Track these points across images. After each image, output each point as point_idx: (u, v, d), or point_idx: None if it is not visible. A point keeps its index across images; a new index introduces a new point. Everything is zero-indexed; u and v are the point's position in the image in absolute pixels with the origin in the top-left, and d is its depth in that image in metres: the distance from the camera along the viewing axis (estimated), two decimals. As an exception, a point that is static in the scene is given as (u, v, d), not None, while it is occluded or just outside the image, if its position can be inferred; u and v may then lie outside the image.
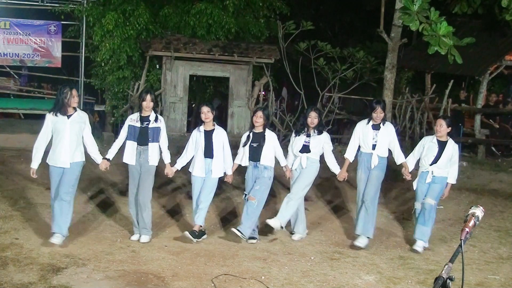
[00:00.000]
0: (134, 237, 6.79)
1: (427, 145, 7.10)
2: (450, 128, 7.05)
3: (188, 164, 7.04)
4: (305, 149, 7.10)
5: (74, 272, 5.63)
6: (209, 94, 14.98)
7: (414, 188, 7.15)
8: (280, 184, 9.02)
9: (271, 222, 6.93)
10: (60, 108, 6.30)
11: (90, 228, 7.05)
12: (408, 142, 12.77)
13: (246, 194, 6.99)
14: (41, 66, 15.37)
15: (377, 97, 10.48)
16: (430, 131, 13.52)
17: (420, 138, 13.09)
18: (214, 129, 6.90)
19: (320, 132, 7.13)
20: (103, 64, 13.31)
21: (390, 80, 11.32)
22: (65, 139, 6.28)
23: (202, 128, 6.91)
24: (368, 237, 7.07)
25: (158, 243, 6.74)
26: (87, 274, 5.62)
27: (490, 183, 10.45)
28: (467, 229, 2.94)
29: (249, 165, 7.01)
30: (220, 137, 6.91)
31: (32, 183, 8.55)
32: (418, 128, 13.65)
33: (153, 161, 6.67)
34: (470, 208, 3.06)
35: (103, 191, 8.67)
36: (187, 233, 6.77)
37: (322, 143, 7.12)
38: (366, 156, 7.12)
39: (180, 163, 7.01)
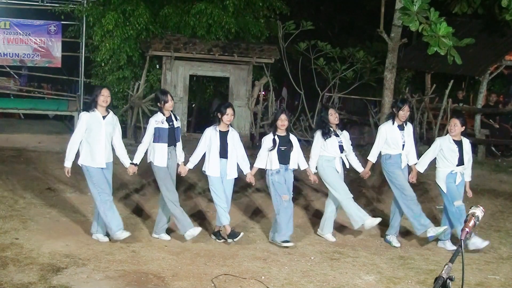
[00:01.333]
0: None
1: (445, 147, 7.07)
2: (464, 127, 7.08)
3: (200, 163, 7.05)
4: (341, 149, 7.16)
5: (74, 272, 5.63)
6: (209, 94, 14.98)
7: (445, 191, 7.06)
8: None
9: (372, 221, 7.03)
10: (91, 106, 6.47)
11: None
12: (414, 141, 12.76)
13: (281, 196, 6.90)
14: (41, 66, 15.35)
15: (377, 97, 10.51)
16: (430, 131, 13.55)
17: (421, 138, 13.22)
18: (229, 130, 6.94)
19: (342, 130, 7.30)
20: (103, 64, 13.31)
21: (390, 80, 11.31)
22: (102, 140, 6.44)
23: (218, 128, 6.91)
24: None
25: (158, 243, 6.74)
26: (87, 274, 5.62)
27: (490, 183, 10.45)
28: (467, 229, 2.95)
29: (280, 169, 6.94)
30: (235, 138, 6.96)
31: (32, 182, 8.56)
32: (418, 128, 13.64)
33: (180, 160, 6.87)
34: (470, 208, 3.06)
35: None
36: (231, 240, 6.85)
37: (348, 139, 7.28)
38: (397, 157, 7.15)
39: (192, 162, 7.02)
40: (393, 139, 7.13)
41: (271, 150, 6.94)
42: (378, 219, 7.11)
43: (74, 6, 13.83)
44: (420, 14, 8.24)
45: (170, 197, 6.67)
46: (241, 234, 6.84)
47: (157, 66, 13.66)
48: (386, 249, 7.08)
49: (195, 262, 6.18)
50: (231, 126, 7.02)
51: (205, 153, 6.95)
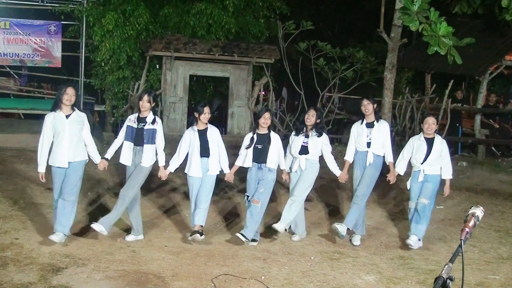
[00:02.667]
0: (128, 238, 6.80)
1: (415, 145, 7.12)
2: (436, 125, 7.10)
3: (182, 165, 6.98)
4: (304, 150, 7.07)
5: (74, 272, 5.63)
6: (209, 94, 14.98)
7: (408, 188, 7.17)
8: (281, 186, 9.00)
9: (277, 226, 6.91)
10: (56, 106, 6.35)
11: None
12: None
13: (248, 196, 6.95)
14: (41, 66, 15.37)
15: (377, 97, 10.45)
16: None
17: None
18: (207, 127, 6.85)
19: (319, 134, 7.09)
20: (103, 64, 13.32)
21: (390, 80, 11.31)
22: (65, 139, 6.31)
23: (196, 127, 6.85)
24: (360, 234, 7.20)
25: (158, 243, 6.74)
26: (87, 274, 5.62)
27: (490, 183, 10.45)
28: (467, 229, 2.94)
29: (252, 167, 6.94)
30: (215, 135, 6.87)
31: (32, 183, 8.55)
32: (418, 128, 13.63)
33: (146, 163, 6.61)
34: (470, 208, 3.06)
35: (102, 191, 8.66)
36: (197, 236, 6.73)
37: (320, 144, 7.09)
38: (362, 154, 7.17)
39: (173, 165, 6.92)
40: (358, 136, 7.19)
41: (247, 147, 6.94)
42: (283, 229, 6.99)
43: (74, 6, 13.84)
44: (420, 14, 8.23)
45: (122, 192, 6.61)
46: (199, 236, 6.72)
47: (157, 66, 13.67)
48: (386, 249, 7.09)
49: (195, 262, 6.18)
50: (210, 124, 6.92)
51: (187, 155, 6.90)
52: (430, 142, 7.05)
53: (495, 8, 12.14)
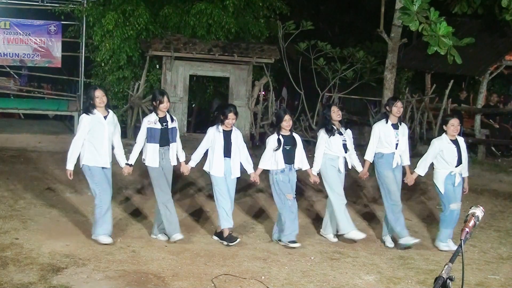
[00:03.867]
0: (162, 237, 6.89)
1: (445, 148, 7.00)
2: (460, 126, 7.15)
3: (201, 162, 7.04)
4: (345, 148, 7.13)
5: (74, 272, 5.63)
6: (209, 94, 14.98)
7: (443, 192, 7.00)
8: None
9: (353, 235, 7.03)
10: (88, 109, 6.48)
11: (90, 228, 7.04)
12: (408, 142, 12.76)
13: (289, 197, 6.89)
14: (41, 66, 15.36)
15: (377, 97, 10.50)
16: (430, 131, 13.54)
17: (421, 138, 13.22)
18: (232, 129, 6.92)
19: (346, 128, 7.25)
20: (103, 64, 13.31)
21: (390, 80, 11.31)
22: (105, 140, 6.48)
23: (221, 128, 6.88)
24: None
25: (158, 243, 6.74)
26: (87, 274, 5.62)
27: (490, 183, 10.45)
28: (467, 229, 2.94)
29: (285, 168, 6.91)
30: (238, 137, 6.95)
31: (32, 183, 8.56)
32: (418, 128, 13.64)
33: (175, 161, 6.81)
34: (470, 208, 3.06)
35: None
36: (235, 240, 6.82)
37: (351, 139, 7.23)
38: (389, 156, 7.12)
39: (194, 160, 7.01)
40: (387, 138, 7.12)
41: (276, 150, 6.90)
42: (363, 235, 7.10)
43: (74, 6, 13.83)
44: (420, 14, 8.24)
45: (162, 198, 6.69)
46: (238, 239, 6.81)
47: (157, 66, 13.66)
48: (386, 249, 7.09)
49: (195, 262, 6.18)
50: (234, 126, 7.01)
51: (206, 152, 6.94)
52: (456, 143, 7.04)
53: (495, 8, 12.14)
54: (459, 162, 6.99)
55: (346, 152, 7.12)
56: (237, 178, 7.04)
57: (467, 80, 15.57)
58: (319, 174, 7.19)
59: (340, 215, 7.03)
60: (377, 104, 14.14)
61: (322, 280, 5.87)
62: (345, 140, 7.12)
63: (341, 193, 7.09)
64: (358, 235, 7.03)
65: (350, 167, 7.32)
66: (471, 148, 13.64)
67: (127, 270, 5.80)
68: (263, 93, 14.73)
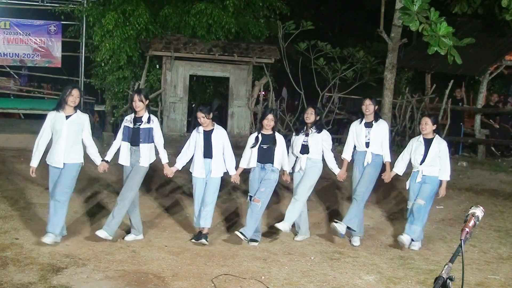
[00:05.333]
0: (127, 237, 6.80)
1: (414, 145, 7.12)
2: (435, 125, 7.08)
3: (188, 164, 7.00)
4: (305, 149, 7.06)
5: (74, 272, 5.63)
6: (209, 94, 14.98)
7: (407, 188, 7.16)
8: (284, 187, 8.99)
9: (280, 225, 6.91)
10: (59, 105, 6.36)
11: (90, 228, 7.04)
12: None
13: (251, 196, 6.92)
14: (41, 66, 15.38)
15: (377, 97, 10.44)
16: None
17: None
18: (213, 129, 6.84)
19: (319, 131, 7.08)
20: (103, 64, 13.32)
21: (390, 80, 11.32)
22: (62, 139, 6.32)
23: (201, 128, 6.85)
24: (359, 235, 7.17)
25: (158, 243, 6.74)
26: (87, 274, 5.62)
27: (490, 183, 10.45)
28: (467, 229, 2.94)
29: (256, 167, 6.93)
30: (220, 137, 6.84)
31: (32, 183, 8.55)
32: (418, 128, 13.64)
33: (144, 162, 6.61)
34: (470, 208, 3.06)
35: (102, 191, 8.67)
36: (203, 241, 6.76)
37: (320, 141, 7.06)
38: (361, 154, 7.19)
39: (180, 163, 6.95)
40: (357, 136, 7.21)
41: (252, 147, 6.93)
42: (288, 229, 6.99)
43: (74, 6, 13.85)
44: (420, 14, 8.24)
45: (122, 195, 6.60)
46: (205, 241, 6.73)
47: (157, 66, 13.67)
48: (386, 249, 7.08)
49: (195, 262, 6.18)
50: (218, 125, 6.94)
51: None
52: (428, 142, 7.04)
53: (495, 8, 12.15)
54: (423, 161, 6.99)
55: (302, 154, 7.04)
56: (224, 178, 6.98)
57: (467, 80, 15.57)
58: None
59: (294, 211, 6.97)
60: (378, 104, 14.14)
61: (322, 280, 5.87)
62: (307, 142, 7.05)
63: (300, 191, 7.03)
64: (284, 227, 6.92)
65: (329, 168, 7.27)
66: (471, 148, 13.67)
67: (127, 270, 5.80)
68: (263, 93, 14.74)
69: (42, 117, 6.71)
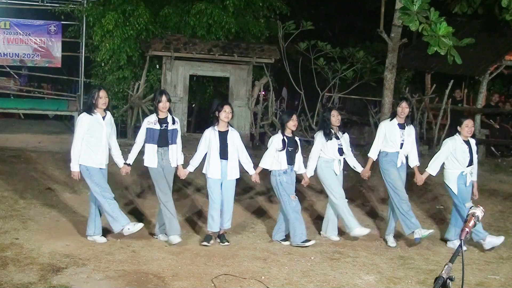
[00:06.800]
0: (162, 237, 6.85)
1: (457, 147, 7.04)
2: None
3: (201, 165, 6.98)
4: (341, 152, 7.18)
5: (74, 272, 5.63)
6: (209, 94, 14.98)
7: (456, 192, 7.00)
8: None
9: (357, 232, 7.06)
10: (90, 109, 6.49)
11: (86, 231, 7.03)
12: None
13: (292, 197, 6.91)
14: (41, 66, 15.36)
15: (377, 97, 10.50)
16: (430, 131, 13.55)
17: (421, 138, 13.20)
18: (228, 130, 6.86)
19: (343, 132, 7.30)
20: (103, 64, 13.32)
21: (390, 80, 11.30)
22: (103, 141, 6.50)
23: (216, 128, 6.84)
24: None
25: (158, 243, 6.74)
26: (87, 274, 5.62)
27: (490, 183, 10.45)
28: (467, 229, 2.95)
29: (287, 169, 6.91)
30: (235, 138, 6.87)
31: (32, 183, 8.56)
32: (418, 128, 13.64)
33: (175, 163, 6.74)
34: (470, 208, 3.06)
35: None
36: (225, 243, 6.84)
37: (348, 142, 7.27)
38: (393, 155, 7.15)
39: (193, 165, 6.94)
40: (392, 136, 7.15)
41: (280, 150, 6.89)
42: (367, 230, 7.13)
43: (74, 6, 13.84)
44: (420, 14, 8.23)
45: (162, 198, 6.66)
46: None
47: (157, 66, 13.66)
48: (386, 249, 7.08)
49: (195, 262, 6.18)
50: (231, 126, 6.98)
51: (205, 155, 6.90)
52: (468, 145, 7.09)
53: (495, 8, 12.13)
54: (470, 162, 7.02)
55: (341, 156, 7.17)
56: (238, 179, 7.00)
57: (467, 80, 15.57)
58: (316, 177, 7.27)
59: (343, 213, 7.08)
60: (377, 104, 14.14)
61: (322, 280, 5.87)
62: (341, 145, 7.17)
63: (340, 192, 7.13)
64: (362, 231, 7.07)
65: (352, 166, 7.42)
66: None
67: (127, 270, 5.80)
68: (263, 93, 14.74)
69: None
